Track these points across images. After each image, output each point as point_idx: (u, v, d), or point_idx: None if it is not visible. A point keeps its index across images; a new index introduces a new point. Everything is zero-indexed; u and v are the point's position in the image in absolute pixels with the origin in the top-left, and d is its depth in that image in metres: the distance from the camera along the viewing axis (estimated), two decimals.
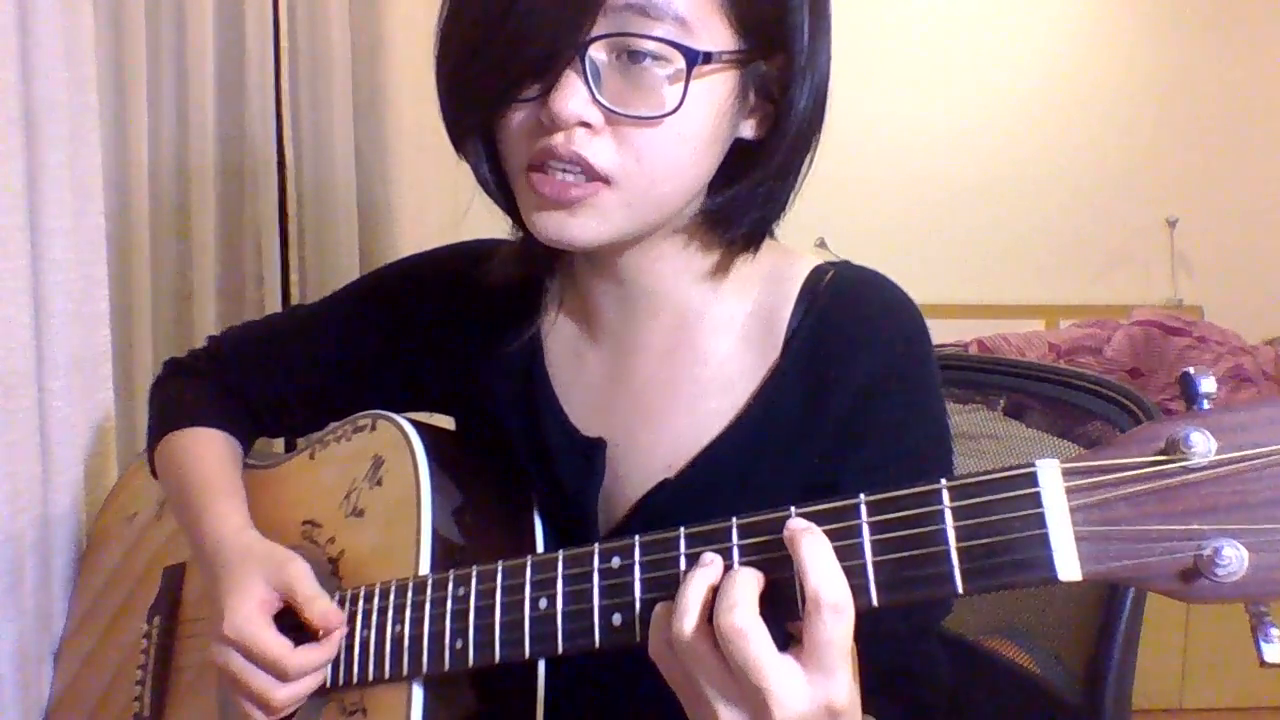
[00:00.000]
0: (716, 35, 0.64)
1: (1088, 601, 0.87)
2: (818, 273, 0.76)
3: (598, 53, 0.63)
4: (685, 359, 0.77)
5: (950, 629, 0.99)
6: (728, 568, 0.56)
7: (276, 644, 0.72)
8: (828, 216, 2.82)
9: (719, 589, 0.55)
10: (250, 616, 0.72)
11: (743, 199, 0.71)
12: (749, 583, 0.54)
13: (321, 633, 0.73)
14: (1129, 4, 3.26)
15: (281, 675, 0.71)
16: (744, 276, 0.77)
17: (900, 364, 0.73)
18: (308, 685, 0.73)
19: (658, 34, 0.62)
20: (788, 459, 0.73)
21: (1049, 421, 1.04)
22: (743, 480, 0.74)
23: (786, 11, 0.67)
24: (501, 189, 0.72)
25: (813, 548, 0.53)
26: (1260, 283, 3.24)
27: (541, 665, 0.73)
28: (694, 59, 0.63)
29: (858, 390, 0.71)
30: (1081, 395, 0.96)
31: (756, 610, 0.53)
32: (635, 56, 0.63)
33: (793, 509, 0.56)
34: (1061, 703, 0.88)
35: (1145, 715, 2.35)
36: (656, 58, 0.63)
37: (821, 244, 2.97)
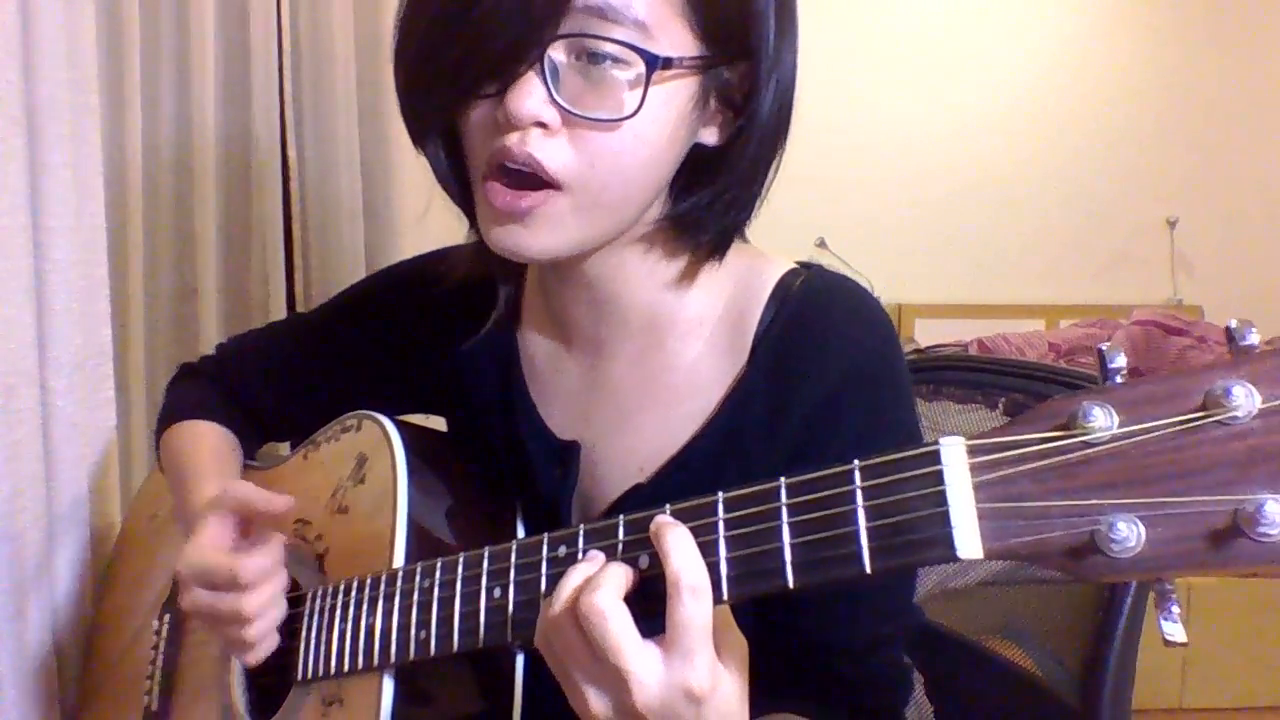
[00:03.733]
0: (678, 40, 0.64)
1: (1087, 602, 0.87)
2: (790, 276, 0.76)
3: (557, 53, 0.62)
4: (657, 363, 0.77)
5: (950, 629, 1.00)
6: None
7: (227, 556, 0.75)
8: (828, 216, 2.82)
9: (590, 578, 0.56)
10: (199, 547, 0.75)
11: (706, 206, 0.71)
12: (617, 572, 0.56)
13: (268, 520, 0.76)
14: (1129, 4, 3.27)
15: (240, 583, 0.74)
16: (714, 279, 0.76)
17: (864, 372, 0.72)
18: (271, 591, 0.75)
19: (618, 36, 0.61)
20: (755, 463, 0.72)
21: None
22: (713, 484, 0.73)
23: (751, 18, 0.66)
24: (461, 188, 0.72)
25: (674, 536, 0.55)
26: (1260, 283, 3.24)
27: (521, 658, 0.74)
28: (654, 63, 0.62)
29: (821, 397, 0.71)
30: None
31: (619, 595, 0.54)
32: (595, 58, 0.62)
33: (667, 507, 0.58)
34: (1061, 703, 0.88)
35: (1145, 715, 2.35)
36: (616, 60, 0.62)
37: (821, 244, 2.97)
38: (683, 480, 0.74)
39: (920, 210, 3.21)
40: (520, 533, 0.82)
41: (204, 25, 1.54)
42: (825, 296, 0.74)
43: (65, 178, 1.03)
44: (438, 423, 0.91)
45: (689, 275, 0.75)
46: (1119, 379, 0.47)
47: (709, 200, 0.71)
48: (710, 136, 0.70)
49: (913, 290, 3.04)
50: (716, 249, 0.74)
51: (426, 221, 1.83)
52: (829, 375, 0.71)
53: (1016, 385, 1.05)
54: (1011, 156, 3.24)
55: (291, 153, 1.71)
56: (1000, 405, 1.14)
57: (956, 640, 0.99)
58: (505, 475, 0.82)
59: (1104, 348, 0.48)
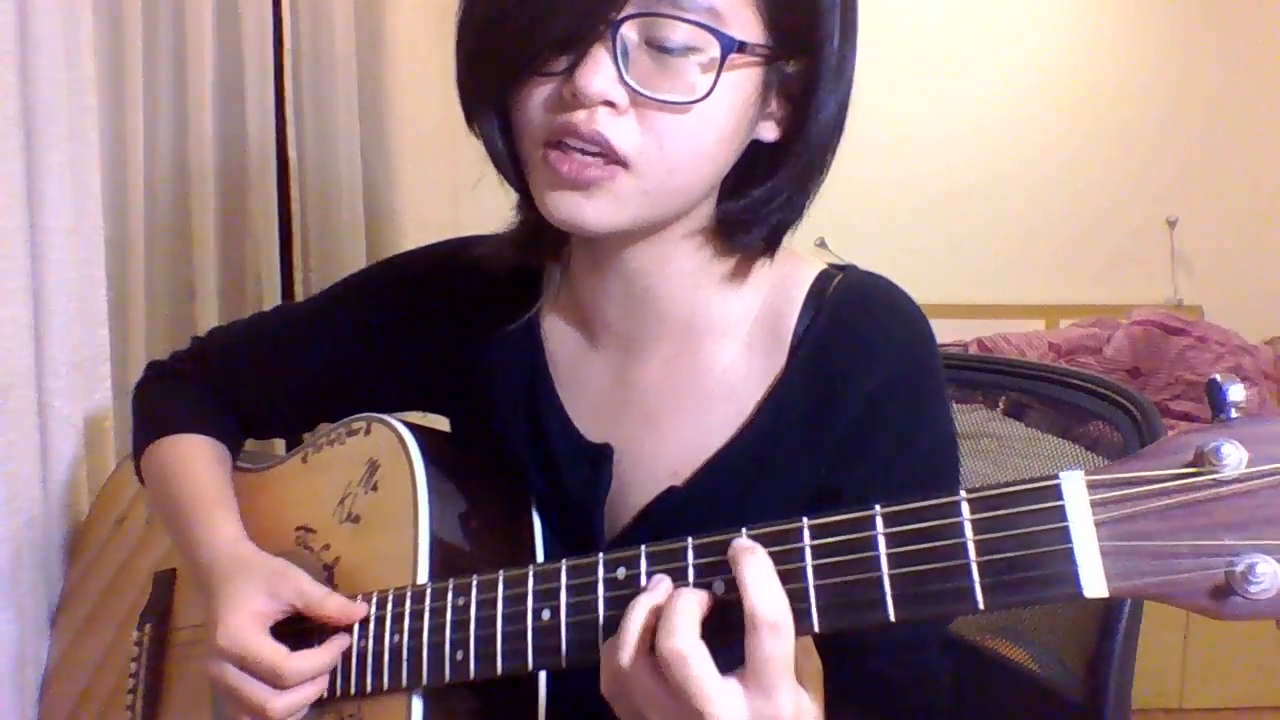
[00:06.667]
0: (748, 28, 0.64)
1: (1087, 602, 0.87)
2: (824, 277, 0.76)
3: (629, 32, 0.62)
4: (690, 365, 0.76)
5: (951, 629, 0.99)
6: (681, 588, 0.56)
7: (272, 650, 0.70)
8: (828, 216, 2.80)
9: (661, 613, 0.54)
10: (244, 625, 0.71)
11: (761, 203, 0.70)
12: (690, 606, 0.54)
13: (332, 630, 0.72)
14: (1130, 4, 3.26)
15: (279, 682, 0.70)
16: (751, 281, 0.76)
17: (907, 372, 0.72)
18: (307, 693, 0.71)
19: (693, 19, 0.61)
20: (794, 467, 0.72)
21: (1049, 421, 1.04)
22: (749, 489, 0.73)
23: (819, 14, 0.67)
24: (514, 164, 0.71)
25: (752, 566, 0.53)
26: (1260, 283, 3.24)
27: (543, 676, 0.72)
28: (730, 46, 0.62)
29: (865, 398, 0.71)
30: (1081, 395, 0.96)
31: (697, 633, 0.53)
32: (667, 41, 0.62)
33: (744, 530, 0.55)
34: (1062, 703, 0.88)
35: (1145, 715, 2.35)
36: (688, 44, 0.62)
37: (821, 244, 2.97)
38: (719, 483, 0.73)
39: (920, 210, 3.21)
40: (539, 535, 0.79)
41: (202, 26, 1.54)
42: (863, 296, 0.75)
43: (63, 178, 1.03)
44: (436, 421, 0.87)
45: (739, 275, 0.75)
46: (1235, 413, 0.46)
47: (763, 198, 0.70)
48: (768, 133, 0.70)
49: (913, 290, 2.99)
50: (769, 248, 0.73)
51: (426, 220, 1.83)
52: (873, 377, 0.71)
53: (1016, 385, 1.05)
54: (1012, 156, 3.23)
55: (291, 153, 1.71)
56: (1000, 405, 1.14)
57: (957, 640, 0.99)
58: (523, 478, 0.80)
59: (1219, 378, 0.47)
